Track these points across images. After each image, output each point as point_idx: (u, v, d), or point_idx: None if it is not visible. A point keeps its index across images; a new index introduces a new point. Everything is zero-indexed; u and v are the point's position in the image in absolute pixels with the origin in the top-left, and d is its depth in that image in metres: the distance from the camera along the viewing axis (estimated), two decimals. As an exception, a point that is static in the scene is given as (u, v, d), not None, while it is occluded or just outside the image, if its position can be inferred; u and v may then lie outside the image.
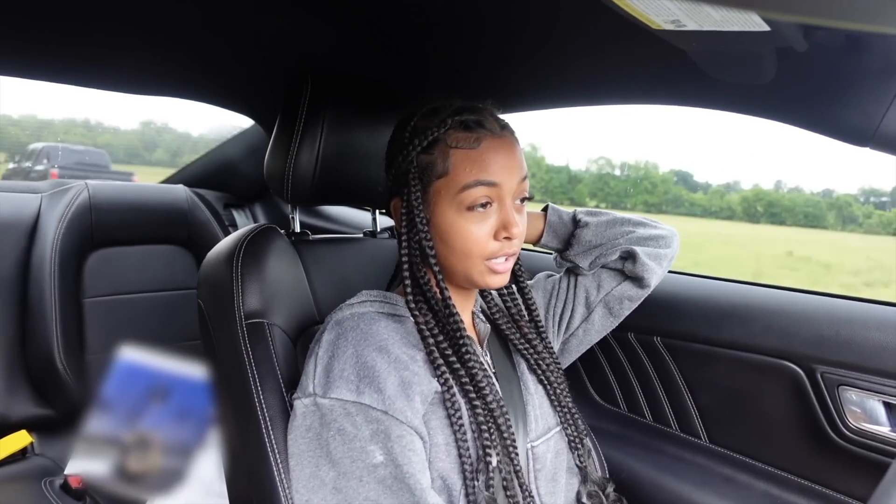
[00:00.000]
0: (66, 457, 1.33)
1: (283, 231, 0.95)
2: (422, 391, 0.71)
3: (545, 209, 0.97)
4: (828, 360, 0.96)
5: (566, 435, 0.84)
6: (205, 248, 1.05)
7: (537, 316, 0.89)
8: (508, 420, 0.74)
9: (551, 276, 1.00)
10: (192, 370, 1.11)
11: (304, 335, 0.87)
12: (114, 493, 1.18)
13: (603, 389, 1.28)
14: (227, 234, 1.61)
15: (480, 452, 0.70)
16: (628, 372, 1.22)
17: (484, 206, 0.72)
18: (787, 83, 0.78)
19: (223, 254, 0.88)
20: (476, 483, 0.69)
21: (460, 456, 0.70)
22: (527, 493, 0.72)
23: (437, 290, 0.76)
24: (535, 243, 0.97)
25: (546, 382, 0.85)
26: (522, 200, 0.77)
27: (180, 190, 1.69)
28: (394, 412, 0.67)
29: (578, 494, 0.83)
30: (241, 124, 1.86)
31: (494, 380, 0.80)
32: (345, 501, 0.66)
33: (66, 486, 1.25)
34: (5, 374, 1.37)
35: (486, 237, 0.73)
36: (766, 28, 0.57)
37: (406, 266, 0.76)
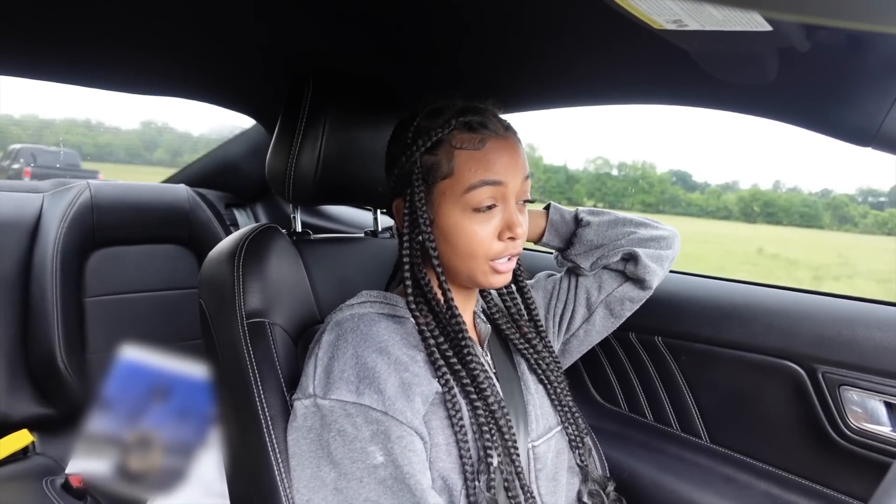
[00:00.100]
0: (68, 456, 1.33)
1: (284, 231, 0.96)
2: (422, 392, 0.71)
3: (547, 208, 0.97)
4: (829, 360, 0.96)
5: (567, 434, 0.84)
6: (206, 248, 1.05)
7: (536, 316, 0.89)
8: (509, 420, 0.74)
9: (552, 275, 1.00)
10: (194, 369, 1.11)
11: (305, 335, 0.87)
12: (115, 492, 1.19)
13: (604, 389, 1.28)
14: (228, 233, 1.61)
15: (482, 453, 0.70)
16: (629, 372, 1.22)
17: (491, 207, 0.72)
18: (789, 83, 0.78)
19: (224, 253, 0.88)
20: (477, 483, 0.69)
21: (461, 456, 0.70)
22: (528, 494, 0.72)
23: (439, 292, 0.76)
24: (537, 242, 0.97)
25: (546, 382, 0.85)
26: (525, 202, 0.77)
27: (182, 189, 1.69)
28: (394, 413, 0.67)
29: (579, 494, 0.83)
30: (242, 124, 1.86)
31: (495, 380, 0.80)
32: (345, 502, 0.66)
33: (67, 486, 1.25)
34: (7, 373, 1.38)
35: (491, 238, 0.73)
36: (768, 28, 0.57)
37: (407, 267, 0.76)
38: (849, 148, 0.77)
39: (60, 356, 1.37)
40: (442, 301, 0.76)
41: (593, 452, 0.89)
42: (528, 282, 0.91)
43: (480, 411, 0.72)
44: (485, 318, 0.87)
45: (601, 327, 0.95)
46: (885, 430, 0.92)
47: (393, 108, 0.99)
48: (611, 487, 0.85)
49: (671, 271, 1.23)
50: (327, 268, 0.95)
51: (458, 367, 0.74)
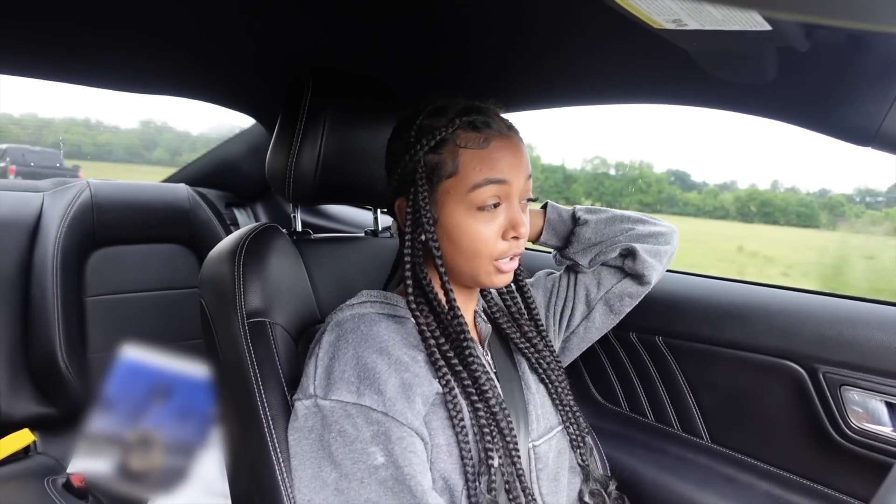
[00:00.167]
0: (69, 455, 1.33)
1: (284, 230, 0.96)
2: (423, 392, 0.71)
3: (544, 207, 0.97)
4: (830, 360, 0.96)
5: (568, 433, 0.84)
6: (206, 247, 1.05)
7: (537, 314, 0.89)
8: (510, 421, 0.74)
9: (551, 273, 1.00)
10: (194, 369, 1.11)
11: (306, 334, 0.87)
12: (116, 491, 1.19)
13: (605, 389, 1.28)
14: (228, 233, 1.61)
15: (482, 454, 0.70)
16: (630, 372, 1.22)
17: (495, 206, 0.72)
18: (789, 83, 0.78)
19: (225, 253, 0.88)
20: (478, 485, 0.69)
21: (462, 457, 0.70)
22: (529, 495, 0.72)
23: (441, 292, 0.76)
24: (535, 241, 0.97)
25: (547, 381, 0.85)
26: (527, 201, 0.77)
27: (182, 189, 1.69)
28: (394, 414, 0.67)
29: (580, 493, 0.83)
30: (241, 123, 1.86)
31: (496, 380, 0.80)
32: (346, 502, 0.66)
33: (68, 485, 1.25)
34: (8, 372, 1.38)
35: (495, 237, 0.73)
36: (768, 27, 0.57)
37: (409, 266, 0.76)
38: (848, 148, 0.77)
39: (61, 356, 1.37)
40: (443, 301, 0.76)
41: (594, 452, 0.89)
42: (527, 280, 0.91)
43: (481, 412, 0.72)
44: (485, 318, 0.87)
45: (601, 324, 0.95)
46: (886, 430, 0.92)
47: (392, 108, 0.99)
48: (612, 487, 0.85)
49: (672, 271, 1.23)
50: (328, 267, 0.95)
51: (459, 367, 0.74)
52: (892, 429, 0.92)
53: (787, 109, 0.85)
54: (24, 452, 1.37)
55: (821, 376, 0.97)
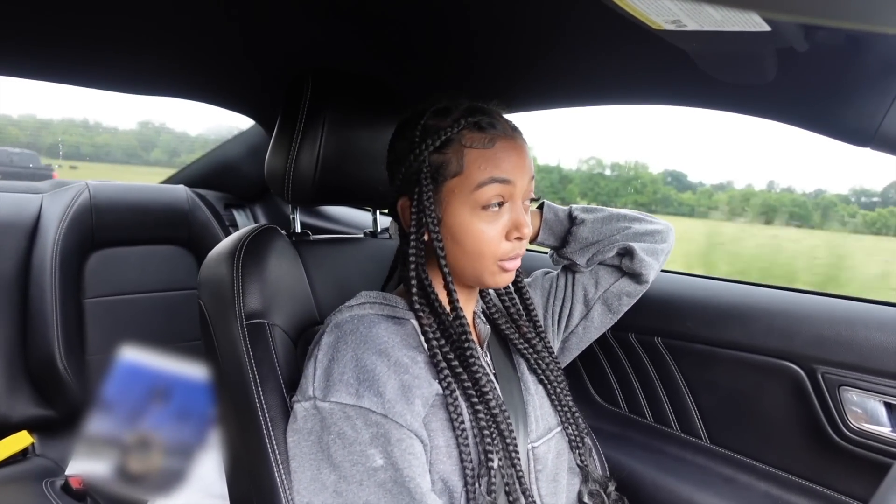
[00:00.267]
0: (67, 457, 1.33)
1: (283, 231, 0.95)
2: (422, 394, 0.70)
3: (540, 206, 0.98)
4: (829, 361, 0.96)
5: (567, 434, 0.84)
6: (205, 249, 1.05)
7: (535, 315, 0.89)
8: (510, 423, 0.74)
9: (548, 273, 1.00)
10: (193, 370, 1.11)
11: (305, 335, 0.87)
12: (114, 493, 1.18)
13: (603, 390, 1.28)
14: (227, 234, 1.61)
15: (482, 456, 0.70)
16: (629, 372, 1.22)
17: (499, 205, 0.73)
18: (788, 83, 0.78)
19: (224, 254, 0.88)
20: (477, 487, 0.69)
21: (461, 459, 0.70)
22: (528, 497, 0.72)
23: (444, 293, 0.76)
24: (532, 241, 0.97)
25: (546, 382, 0.85)
26: (530, 201, 0.78)
27: (181, 190, 1.69)
28: (393, 416, 0.67)
29: (580, 494, 0.83)
30: (239, 124, 1.86)
31: (495, 382, 0.80)
32: None
33: (66, 487, 1.25)
34: (6, 374, 1.37)
35: (499, 237, 0.74)
36: (767, 28, 0.57)
37: (413, 267, 0.76)
38: (845, 148, 0.77)
39: (60, 357, 1.37)
40: (445, 302, 0.76)
41: (593, 453, 0.89)
42: (525, 280, 0.91)
43: (482, 414, 0.72)
44: (484, 319, 0.87)
45: (599, 323, 0.95)
46: (884, 430, 0.92)
47: (392, 109, 0.99)
48: (612, 487, 0.85)
49: (671, 272, 1.23)
50: (326, 268, 0.95)
51: (460, 369, 0.73)
52: (890, 429, 0.92)
53: (786, 110, 0.85)
54: (23, 454, 1.37)
55: (819, 377, 0.97)
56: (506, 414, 0.74)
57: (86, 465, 1.22)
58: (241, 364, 0.80)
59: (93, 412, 1.17)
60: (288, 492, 0.72)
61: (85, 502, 1.24)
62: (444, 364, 0.73)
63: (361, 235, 1.09)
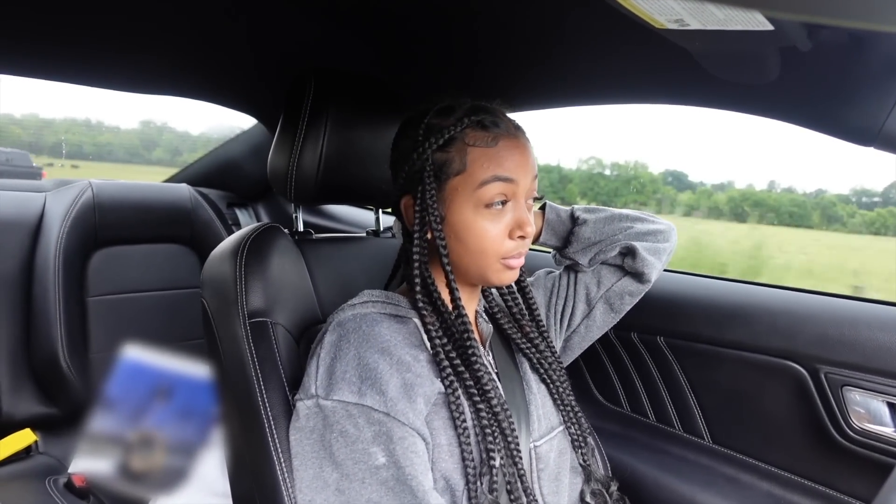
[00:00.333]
0: (70, 455, 1.33)
1: (286, 230, 0.96)
2: (424, 392, 0.71)
3: (543, 207, 0.98)
4: (832, 361, 0.96)
5: (569, 434, 0.84)
6: (208, 247, 1.05)
7: (538, 315, 0.89)
8: (512, 421, 0.74)
9: (551, 272, 1.01)
10: (196, 369, 1.11)
11: (308, 334, 0.87)
12: (117, 491, 1.19)
13: (606, 389, 1.28)
14: (230, 233, 1.61)
15: (484, 455, 0.70)
16: (631, 372, 1.22)
17: (502, 204, 0.73)
18: (791, 83, 0.78)
19: (227, 253, 0.88)
20: (479, 485, 0.69)
21: (463, 457, 0.70)
22: (530, 495, 0.72)
23: (445, 291, 0.76)
24: (534, 242, 0.97)
25: (549, 382, 0.85)
26: (533, 200, 0.78)
27: (184, 189, 1.69)
28: (396, 414, 0.67)
29: (582, 494, 0.83)
30: (241, 124, 1.86)
31: (497, 381, 0.80)
32: (347, 503, 0.66)
33: (69, 485, 1.25)
34: (9, 372, 1.38)
35: (502, 236, 0.74)
36: (770, 27, 0.57)
37: (417, 265, 0.76)
38: (847, 148, 0.77)
39: (63, 356, 1.37)
40: (447, 300, 0.76)
41: (596, 453, 0.89)
42: (528, 280, 0.91)
43: (483, 413, 0.72)
44: (486, 318, 0.87)
45: (601, 322, 0.95)
46: (887, 430, 0.92)
47: (395, 108, 0.99)
48: (614, 487, 0.85)
49: (674, 271, 1.23)
50: (329, 267, 0.95)
51: (462, 367, 0.74)
52: (893, 429, 0.92)
53: (790, 109, 0.85)
54: (26, 452, 1.37)
55: (822, 377, 0.97)
56: (508, 412, 0.74)
57: (89, 463, 1.22)
58: (244, 362, 0.80)
59: (96, 410, 1.17)
60: (290, 490, 0.72)
61: (88, 500, 1.25)
62: (446, 362, 0.73)
63: (364, 234, 1.09)
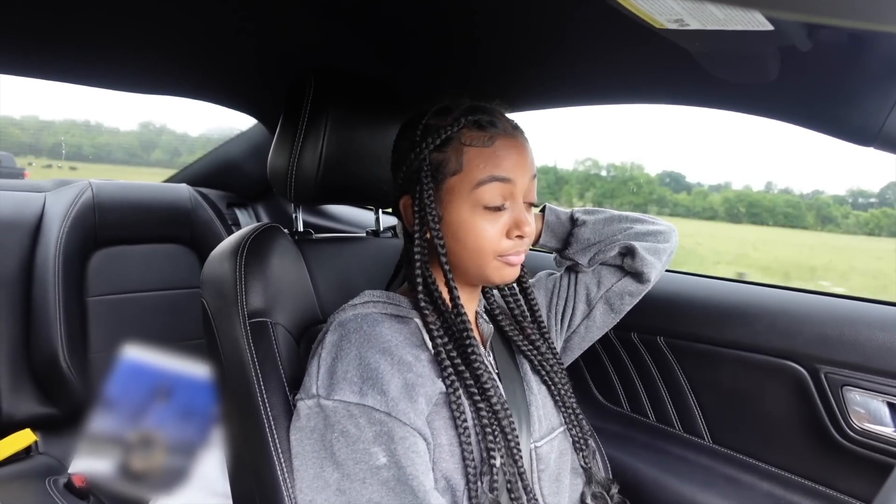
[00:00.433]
0: (70, 455, 1.33)
1: (286, 230, 0.96)
2: (426, 392, 0.71)
3: (542, 209, 0.98)
4: (832, 361, 0.96)
5: (570, 435, 0.84)
6: (208, 247, 1.05)
7: (540, 316, 0.89)
8: (512, 421, 0.74)
9: (552, 274, 1.01)
10: (196, 369, 1.11)
11: (308, 334, 0.87)
12: (117, 491, 1.19)
13: (606, 389, 1.28)
14: (230, 233, 1.61)
15: (485, 454, 0.70)
16: (631, 372, 1.22)
17: (500, 205, 0.73)
18: (791, 83, 0.78)
19: (226, 252, 0.88)
20: (480, 485, 0.69)
21: (464, 458, 0.70)
22: (531, 495, 0.72)
23: (445, 290, 0.76)
24: (534, 244, 0.97)
25: (549, 383, 0.85)
26: (531, 205, 0.78)
27: (183, 189, 1.69)
28: (397, 414, 0.67)
29: (583, 495, 0.83)
30: (240, 125, 1.86)
31: (498, 381, 0.80)
32: (348, 503, 0.66)
33: (69, 485, 1.25)
34: (9, 372, 1.38)
35: (499, 235, 0.74)
36: (770, 27, 0.57)
37: (418, 265, 0.76)
38: (844, 148, 0.77)
39: (63, 356, 1.37)
40: (447, 300, 0.76)
41: (596, 454, 0.89)
42: (530, 280, 0.91)
43: (484, 412, 0.72)
44: (487, 319, 0.87)
45: (601, 323, 0.95)
46: (887, 430, 0.92)
47: (395, 108, 0.99)
48: (615, 490, 0.85)
49: (674, 271, 1.23)
50: (329, 267, 0.95)
51: (462, 367, 0.74)
52: (893, 429, 0.92)
53: (789, 109, 0.85)
54: (26, 452, 1.37)
55: (822, 377, 0.97)
56: (508, 412, 0.74)
57: (89, 463, 1.22)
58: (244, 362, 0.80)
59: (96, 410, 1.17)
60: (291, 490, 0.72)
61: (88, 500, 1.24)
62: (447, 362, 0.73)
63: (364, 234, 1.09)
